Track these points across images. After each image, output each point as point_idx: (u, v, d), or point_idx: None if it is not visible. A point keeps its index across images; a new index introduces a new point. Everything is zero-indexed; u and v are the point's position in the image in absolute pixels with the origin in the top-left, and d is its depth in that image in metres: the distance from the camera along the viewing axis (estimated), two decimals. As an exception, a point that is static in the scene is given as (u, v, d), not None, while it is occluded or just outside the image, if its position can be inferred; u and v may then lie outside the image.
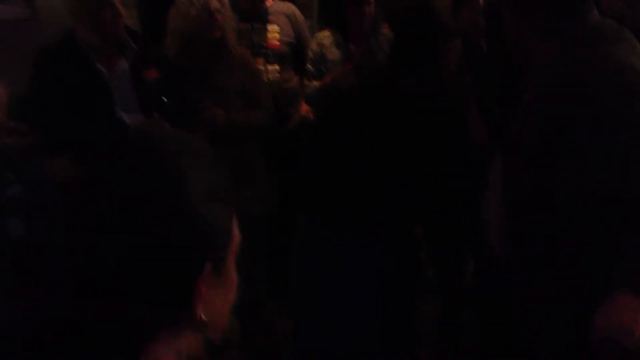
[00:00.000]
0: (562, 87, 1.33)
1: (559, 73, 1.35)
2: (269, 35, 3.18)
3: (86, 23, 2.34)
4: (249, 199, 2.67)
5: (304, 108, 3.37)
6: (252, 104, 2.73)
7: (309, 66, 3.06)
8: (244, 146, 2.78)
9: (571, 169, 1.30)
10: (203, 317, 0.67)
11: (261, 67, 3.07)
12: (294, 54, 3.26)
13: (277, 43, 3.19)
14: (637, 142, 1.28)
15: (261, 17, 3.15)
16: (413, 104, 2.14)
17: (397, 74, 2.29)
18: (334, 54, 2.97)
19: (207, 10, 2.57)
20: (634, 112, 1.28)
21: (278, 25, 3.19)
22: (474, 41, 2.51)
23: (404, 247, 1.96)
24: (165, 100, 2.50)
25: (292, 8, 3.31)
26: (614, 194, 1.30)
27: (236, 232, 0.73)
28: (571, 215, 1.33)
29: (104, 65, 2.41)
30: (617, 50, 1.34)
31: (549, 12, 1.37)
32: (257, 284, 2.67)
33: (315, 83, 3.00)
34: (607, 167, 1.30)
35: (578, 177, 1.30)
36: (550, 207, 1.34)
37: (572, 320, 1.39)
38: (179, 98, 2.58)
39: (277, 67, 3.15)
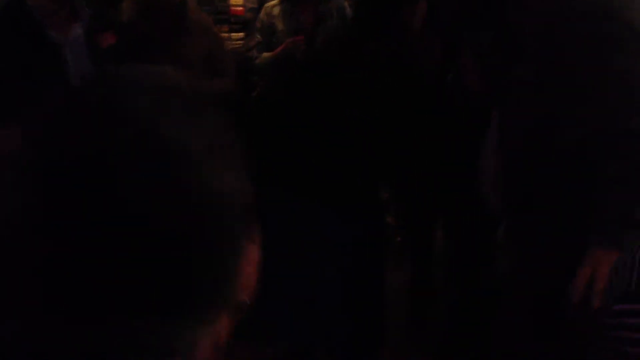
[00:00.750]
0: (559, 34, 1.32)
1: (558, 21, 1.33)
2: (232, 2, 3.08)
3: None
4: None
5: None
6: (215, 72, 2.64)
7: (259, 37, 2.95)
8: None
9: (561, 114, 1.30)
10: (244, 297, 0.53)
11: (225, 35, 2.99)
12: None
13: (241, 9, 3.09)
14: (614, 94, 1.27)
15: (223, -18, 3.06)
16: (377, 68, 2.09)
17: (359, 39, 2.23)
18: (283, 24, 2.89)
19: None
20: (613, 65, 1.27)
21: (241, -10, 3.10)
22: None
23: (369, 211, 1.92)
24: None
25: (254, -27, 3.21)
26: (590, 144, 1.30)
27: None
28: (564, 162, 1.33)
29: (56, 31, 2.28)
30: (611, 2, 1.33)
31: None
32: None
33: (266, 54, 2.90)
34: (584, 116, 1.30)
35: (565, 122, 1.29)
36: (544, 153, 1.34)
37: (560, 273, 1.39)
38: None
39: (241, 34, 3.06)
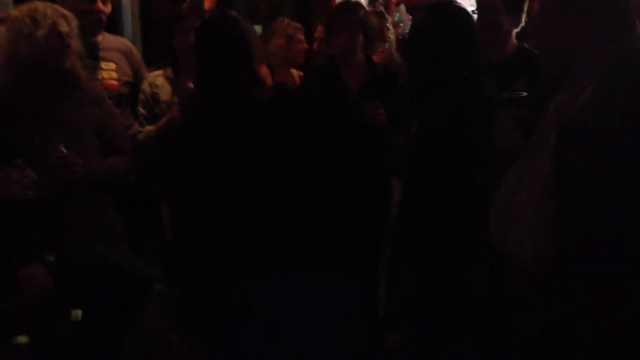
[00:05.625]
0: (625, 84, 1.36)
1: (622, 72, 1.38)
2: (105, 74, 2.72)
3: None
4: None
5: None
6: (110, 149, 2.28)
7: (141, 109, 2.66)
8: (101, 198, 2.28)
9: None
10: None
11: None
12: (132, 95, 2.86)
13: (115, 83, 2.74)
14: None
15: (91, 52, 2.68)
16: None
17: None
18: (167, 93, 2.64)
19: (57, 33, 2.08)
20: None
21: (114, 62, 2.77)
22: None
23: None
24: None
25: (127, 43, 2.90)
26: None
27: None
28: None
29: None
30: None
31: (614, 18, 1.42)
32: None
33: (149, 128, 2.60)
34: None
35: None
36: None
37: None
38: (21, 141, 2.02)
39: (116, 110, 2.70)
